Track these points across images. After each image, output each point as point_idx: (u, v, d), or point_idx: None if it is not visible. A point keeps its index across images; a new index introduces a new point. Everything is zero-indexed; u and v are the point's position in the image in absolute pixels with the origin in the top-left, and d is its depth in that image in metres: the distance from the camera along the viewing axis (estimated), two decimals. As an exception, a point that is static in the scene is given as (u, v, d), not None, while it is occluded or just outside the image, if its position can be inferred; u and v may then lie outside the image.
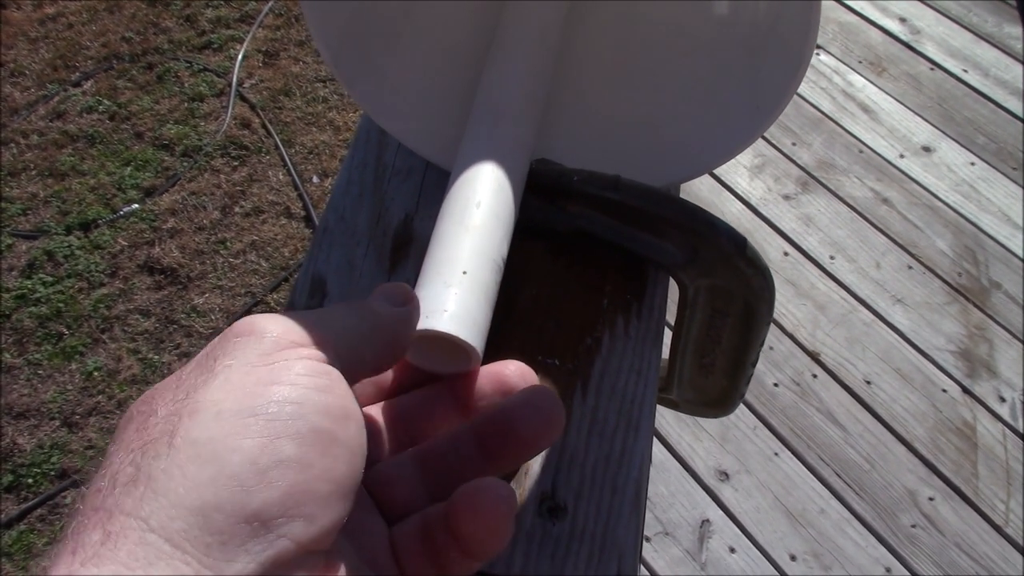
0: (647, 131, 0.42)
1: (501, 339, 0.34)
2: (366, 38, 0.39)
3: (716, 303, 0.39)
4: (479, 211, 0.31)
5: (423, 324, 0.27)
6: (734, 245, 0.35)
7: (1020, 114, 2.01)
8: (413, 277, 0.31)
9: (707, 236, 0.36)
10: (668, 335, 0.40)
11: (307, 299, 0.38)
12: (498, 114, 0.36)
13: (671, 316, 0.40)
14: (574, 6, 0.43)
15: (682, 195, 0.42)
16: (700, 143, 0.40)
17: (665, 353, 0.44)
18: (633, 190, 0.36)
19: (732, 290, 0.38)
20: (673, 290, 0.41)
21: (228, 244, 1.93)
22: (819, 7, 0.32)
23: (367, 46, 0.39)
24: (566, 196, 0.38)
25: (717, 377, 0.45)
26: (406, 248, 0.39)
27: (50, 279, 1.85)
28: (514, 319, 0.37)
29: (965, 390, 1.59)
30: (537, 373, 0.35)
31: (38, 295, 1.82)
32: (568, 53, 0.43)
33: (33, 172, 2.05)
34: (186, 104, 2.20)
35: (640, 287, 0.39)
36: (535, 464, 0.33)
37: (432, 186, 0.41)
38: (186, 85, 2.24)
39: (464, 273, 0.29)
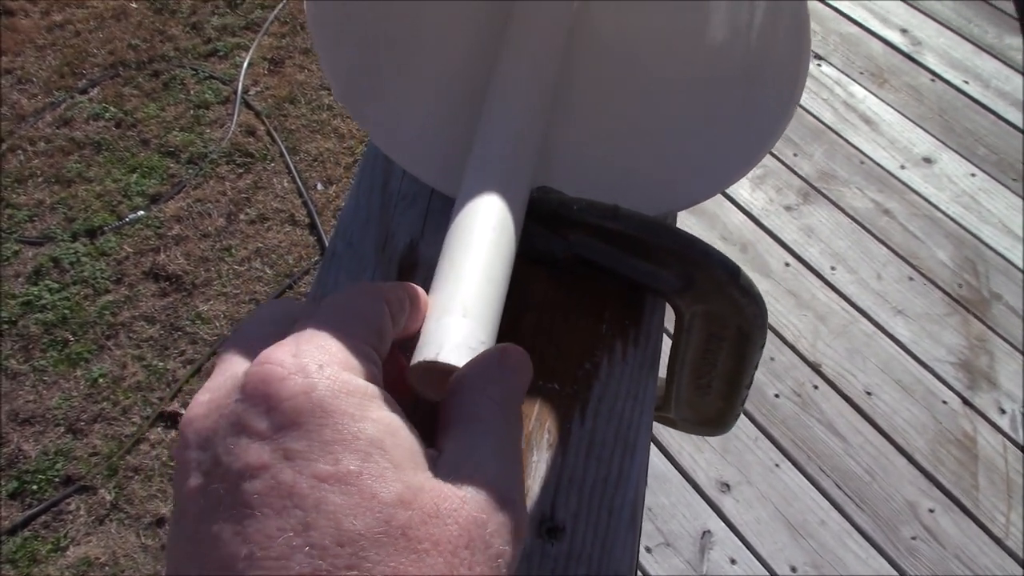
0: (645, 161, 0.43)
1: (502, 364, 0.35)
2: (375, 70, 0.40)
3: (711, 328, 0.40)
4: (482, 242, 0.32)
5: (428, 355, 0.28)
6: (728, 274, 0.36)
7: (1021, 125, 2.02)
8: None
9: (702, 265, 0.37)
10: (665, 353, 0.41)
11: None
12: (500, 145, 0.37)
13: (667, 335, 0.41)
14: (572, 42, 0.44)
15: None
16: (697, 172, 0.41)
17: (663, 372, 0.45)
18: (631, 219, 0.37)
19: (726, 316, 0.39)
20: (669, 314, 0.42)
21: (233, 251, 1.95)
22: (808, 38, 0.33)
23: (376, 77, 0.40)
24: (566, 224, 0.39)
25: (713, 398, 0.46)
26: (411, 273, 0.40)
27: (56, 285, 1.87)
28: (516, 344, 0.38)
29: (965, 402, 1.60)
30: (538, 397, 0.36)
31: (44, 301, 1.84)
32: (567, 86, 0.44)
33: (40, 179, 2.07)
34: (192, 111, 2.22)
35: (638, 313, 0.40)
36: (535, 485, 0.34)
37: (437, 211, 0.42)
38: (192, 92, 2.26)
39: (468, 303, 0.30)
